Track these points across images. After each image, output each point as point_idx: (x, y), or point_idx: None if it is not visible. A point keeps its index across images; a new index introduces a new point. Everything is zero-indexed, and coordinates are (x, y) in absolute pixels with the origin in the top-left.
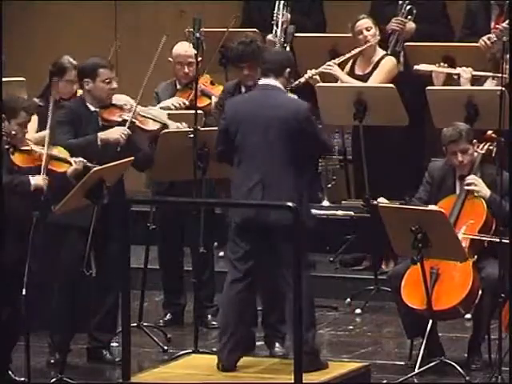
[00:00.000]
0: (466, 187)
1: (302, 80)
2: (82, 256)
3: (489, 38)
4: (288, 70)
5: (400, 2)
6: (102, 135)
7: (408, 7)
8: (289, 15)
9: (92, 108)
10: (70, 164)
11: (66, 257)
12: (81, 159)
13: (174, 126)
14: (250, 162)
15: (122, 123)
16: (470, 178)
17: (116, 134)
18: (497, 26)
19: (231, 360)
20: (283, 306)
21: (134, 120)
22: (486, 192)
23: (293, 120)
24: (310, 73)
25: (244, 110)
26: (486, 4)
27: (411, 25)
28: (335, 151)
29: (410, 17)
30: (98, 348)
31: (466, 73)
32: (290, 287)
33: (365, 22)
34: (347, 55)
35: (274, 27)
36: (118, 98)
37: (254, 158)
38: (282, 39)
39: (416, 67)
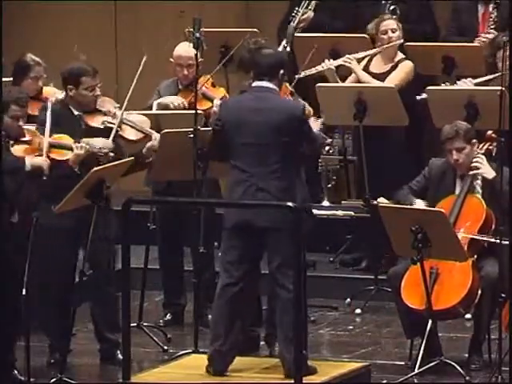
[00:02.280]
0: (471, 172)
1: (320, 68)
2: (69, 258)
3: (486, 38)
4: (281, 71)
5: (383, 2)
6: (86, 139)
7: (392, 7)
8: (312, 14)
9: (75, 112)
10: (73, 150)
11: (55, 259)
12: (83, 144)
13: (156, 137)
14: (244, 166)
15: (105, 130)
16: (476, 159)
17: (100, 143)
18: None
19: (222, 365)
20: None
21: (117, 129)
22: (491, 173)
23: (287, 122)
24: (327, 63)
25: (238, 113)
26: (472, 3)
27: None
28: (335, 151)
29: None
30: (111, 348)
31: (467, 84)
32: (281, 289)
33: (391, 23)
34: (368, 52)
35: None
36: (103, 104)
37: (248, 162)
38: (290, 36)
39: (418, 97)
